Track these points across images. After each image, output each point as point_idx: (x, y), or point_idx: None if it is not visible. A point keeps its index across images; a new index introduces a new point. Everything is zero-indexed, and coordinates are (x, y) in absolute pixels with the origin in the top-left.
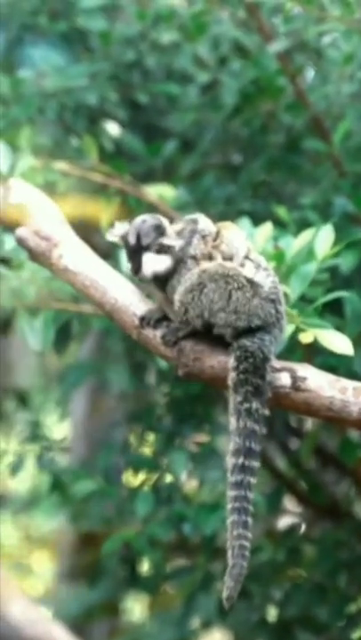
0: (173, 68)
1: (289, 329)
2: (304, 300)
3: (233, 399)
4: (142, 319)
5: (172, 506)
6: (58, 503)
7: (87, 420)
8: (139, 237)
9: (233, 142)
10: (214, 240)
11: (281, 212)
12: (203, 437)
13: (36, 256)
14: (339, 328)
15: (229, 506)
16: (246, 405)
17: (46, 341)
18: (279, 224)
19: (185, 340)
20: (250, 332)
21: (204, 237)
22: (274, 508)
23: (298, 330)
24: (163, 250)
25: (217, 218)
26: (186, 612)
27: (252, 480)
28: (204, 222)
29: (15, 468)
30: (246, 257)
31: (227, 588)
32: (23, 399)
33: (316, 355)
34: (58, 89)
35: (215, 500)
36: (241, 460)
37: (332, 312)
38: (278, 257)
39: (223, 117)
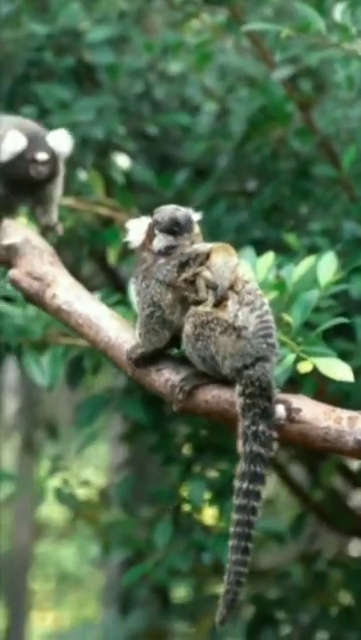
0: (184, 97)
1: (290, 358)
2: (311, 327)
3: (241, 423)
4: (129, 358)
5: (191, 535)
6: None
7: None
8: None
9: (247, 169)
10: (201, 264)
11: (290, 238)
12: (222, 465)
13: (30, 297)
14: (351, 353)
15: (232, 529)
16: (253, 429)
17: (53, 377)
18: (291, 251)
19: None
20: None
21: (183, 266)
22: (298, 532)
23: (298, 359)
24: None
25: None
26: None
27: (257, 504)
28: (192, 247)
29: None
30: (232, 288)
31: (219, 613)
32: (53, 431)
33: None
34: (63, 124)
35: None
36: (246, 485)
37: (346, 337)
38: (279, 286)
39: (234, 145)
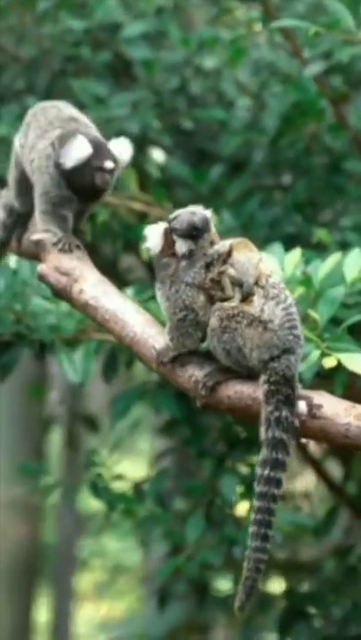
0: (219, 92)
1: (315, 354)
2: (338, 323)
3: (264, 410)
4: (157, 357)
5: (223, 529)
6: (129, 528)
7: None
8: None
9: (282, 164)
10: (224, 262)
11: (321, 234)
12: (253, 460)
13: (57, 291)
14: None
15: (252, 516)
16: (276, 414)
17: (85, 373)
18: (323, 246)
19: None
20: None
21: (208, 266)
22: (330, 526)
23: (323, 355)
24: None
25: (261, 242)
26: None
27: (277, 492)
28: (215, 247)
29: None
30: (256, 283)
31: (239, 599)
32: (93, 424)
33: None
34: (99, 119)
35: None
36: (267, 472)
37: None
38: (306, 282)
39: (268, 140)
